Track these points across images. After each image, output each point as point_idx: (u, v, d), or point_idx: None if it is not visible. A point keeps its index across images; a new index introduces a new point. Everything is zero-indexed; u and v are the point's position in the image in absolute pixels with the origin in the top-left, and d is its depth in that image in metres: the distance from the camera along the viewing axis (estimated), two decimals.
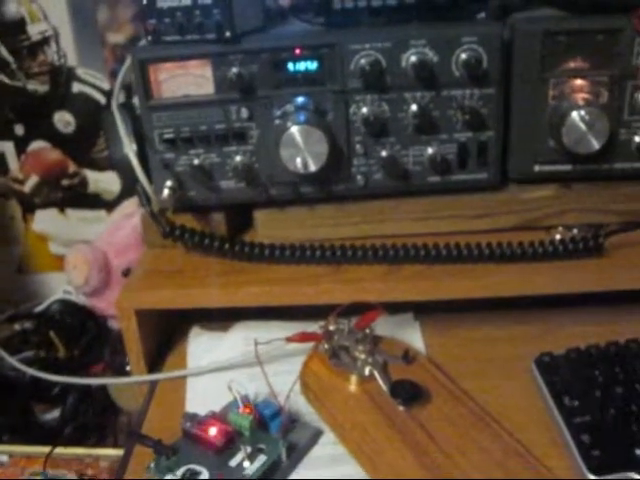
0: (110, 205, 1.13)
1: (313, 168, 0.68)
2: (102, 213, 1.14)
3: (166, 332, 0.79)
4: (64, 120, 1.10)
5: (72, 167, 1.13)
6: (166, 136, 0.71)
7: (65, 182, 1.14)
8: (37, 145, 1.12)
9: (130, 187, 1.08)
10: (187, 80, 0.69)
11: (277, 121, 0.69)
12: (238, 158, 0.71)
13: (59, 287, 1.14)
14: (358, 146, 0.71)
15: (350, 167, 0.72)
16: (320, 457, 0.62)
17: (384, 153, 0.71)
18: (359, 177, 0.72)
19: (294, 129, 0.67)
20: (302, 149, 0.67)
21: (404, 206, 0.74)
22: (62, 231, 1.16)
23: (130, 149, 0.70)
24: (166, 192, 0.71)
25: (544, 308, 0.76)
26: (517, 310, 0.76)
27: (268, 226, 0.75)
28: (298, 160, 0.67)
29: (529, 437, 0.60)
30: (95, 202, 1.14)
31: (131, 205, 1.01)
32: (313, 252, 0.71)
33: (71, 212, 1.16)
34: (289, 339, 0.68)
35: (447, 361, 0.70)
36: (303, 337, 0.68)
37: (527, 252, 0.70)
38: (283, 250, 0.72)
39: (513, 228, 0.74)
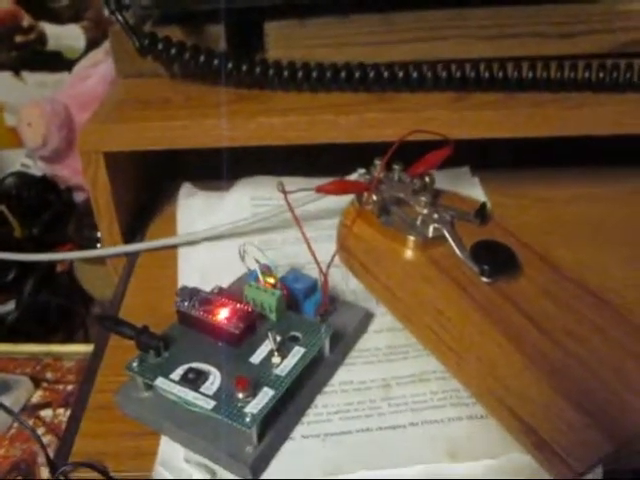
0: (74, 65, 0.87)
1: None
2: (65, 75, 0.90)
3: (146, 192, 0.55)
4: None
5: (27, 20, 0.89)
6: None
7: (19, 39, 0.91)
8: None
9: (98, 40, 0.84)
10: None
11: None
12: None
13: (16, 165, 0.89)
14: None
15: None
16: (375, 349, 0.40)
17: None
18: None
19: None
20: None
21: (470, 17, 0.51)
22: (18, 98, 0.92)
23: None
24: None
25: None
26: (601, 165, 0.55)
27: (283, 44, 0.51)
28: None
29: None
30: (56, 62, 0.91)
31: (99, 53, 0.76)
32: (350, 74, 0.47)
33: (28, 75, 0.93)
34: (320, 189, 0.44)
35: (522, 226, 0.48)
36: (340, 186, 0.45)
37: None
38: (309, 71, 0.48)
39: (606, 54, 0.51)
